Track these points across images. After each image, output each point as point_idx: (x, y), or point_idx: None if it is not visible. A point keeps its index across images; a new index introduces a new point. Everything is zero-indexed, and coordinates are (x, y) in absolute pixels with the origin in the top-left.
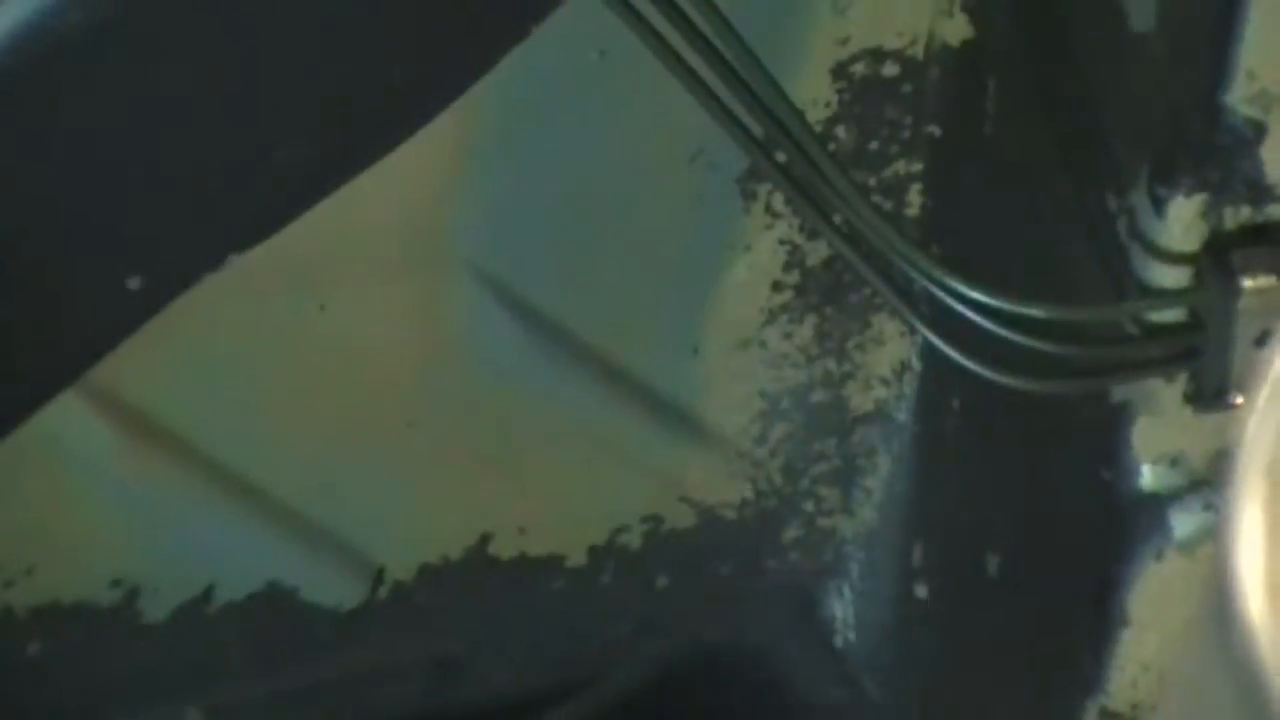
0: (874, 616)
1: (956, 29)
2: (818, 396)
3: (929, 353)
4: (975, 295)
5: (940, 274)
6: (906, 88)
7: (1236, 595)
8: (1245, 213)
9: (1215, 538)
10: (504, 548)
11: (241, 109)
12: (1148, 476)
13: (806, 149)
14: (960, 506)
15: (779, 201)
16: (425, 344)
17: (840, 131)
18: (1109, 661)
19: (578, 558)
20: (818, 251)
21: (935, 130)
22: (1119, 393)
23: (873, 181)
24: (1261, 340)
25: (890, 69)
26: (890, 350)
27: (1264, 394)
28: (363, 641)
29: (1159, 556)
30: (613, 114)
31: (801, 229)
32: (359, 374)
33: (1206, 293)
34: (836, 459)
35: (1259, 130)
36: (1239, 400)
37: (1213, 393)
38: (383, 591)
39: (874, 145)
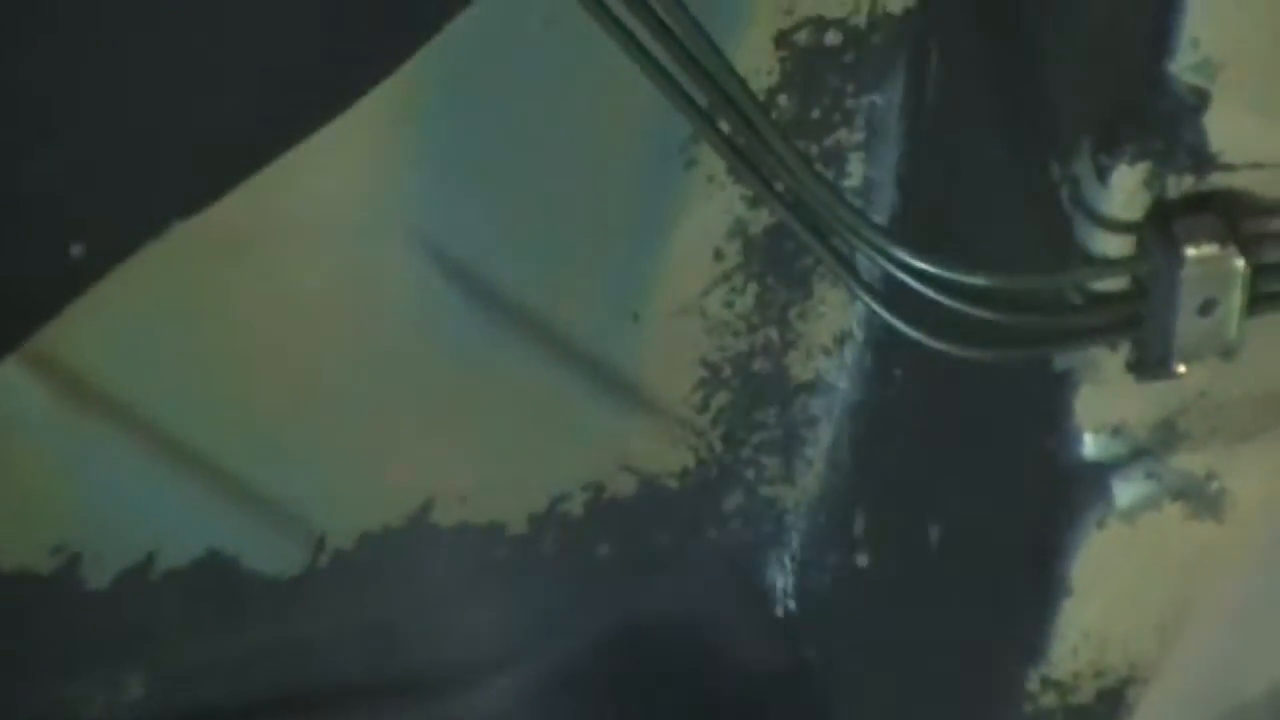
0: (815, 585)
1: None
2: (759, 365)
3: (871, 321)
4: (917, 263)
5: (883, 242)
6: (849, 56)
7: None
8: (1188, 181)
9: (1158, 506)
10: (445, 515)
11: (184, 76)
12: (1090, 445)
13: (749, 117)
14: (902, 475)
15: (722, 170)
16: (366, 311)
17: (783, 100)
18: (1050, 630)
19: (519, 526)
20: (760, 220)
21: (877, 99)
22: (1061, 361)
23: (815, 150)
24: (1205, 309)
25: (833, 37)
26: (832, 319)
27: None
28: (304, 609)
29: (1101, 525)
30: (555, 82)
31: (744, 197)
32: (300, 341)
33: (1149, 261)
34: (778, 428)
35: (1203, 99)
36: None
37: (1155, 361)
38: (324, 559)
39: (816, 114)
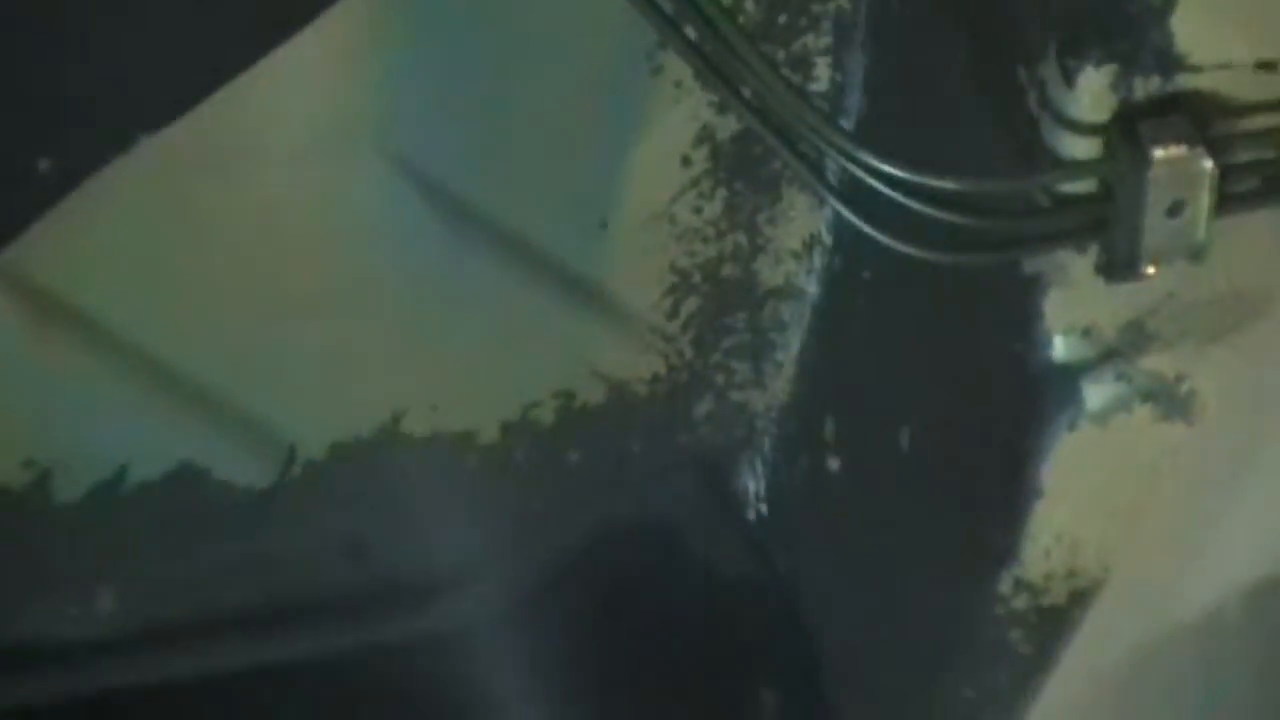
0: (785, 490)
1: None
2: (728, 270)
3: (839, 226)
4: (885, 168)
5: (850, 147)
6: None
7: None
8: (1155, 83)
9: (1128, 408)
10: (416, 425)
11: None
12: (1059, 348)
13: (716, 23)
14: (872, 380)
15: (688, 76)
16: (335, 223)
17: (749, 5)
18: (1022, 532)
19: (490, 434)
20: (727, 126)
21: (843, 3)
22: (1030, 265)
23: (782, 55)
24: (1173, 210)
25: None
26: (800, 224)
27: None
28: (276, 520)
29: (1072, 427)
30: None
31: (711, 103)
32: (269, 254)
33: (1117, 163)
34: (747, 333)
35: (1168, 0)
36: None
37: (1124, 264)
38: (295, 470)
39: (782, 19)
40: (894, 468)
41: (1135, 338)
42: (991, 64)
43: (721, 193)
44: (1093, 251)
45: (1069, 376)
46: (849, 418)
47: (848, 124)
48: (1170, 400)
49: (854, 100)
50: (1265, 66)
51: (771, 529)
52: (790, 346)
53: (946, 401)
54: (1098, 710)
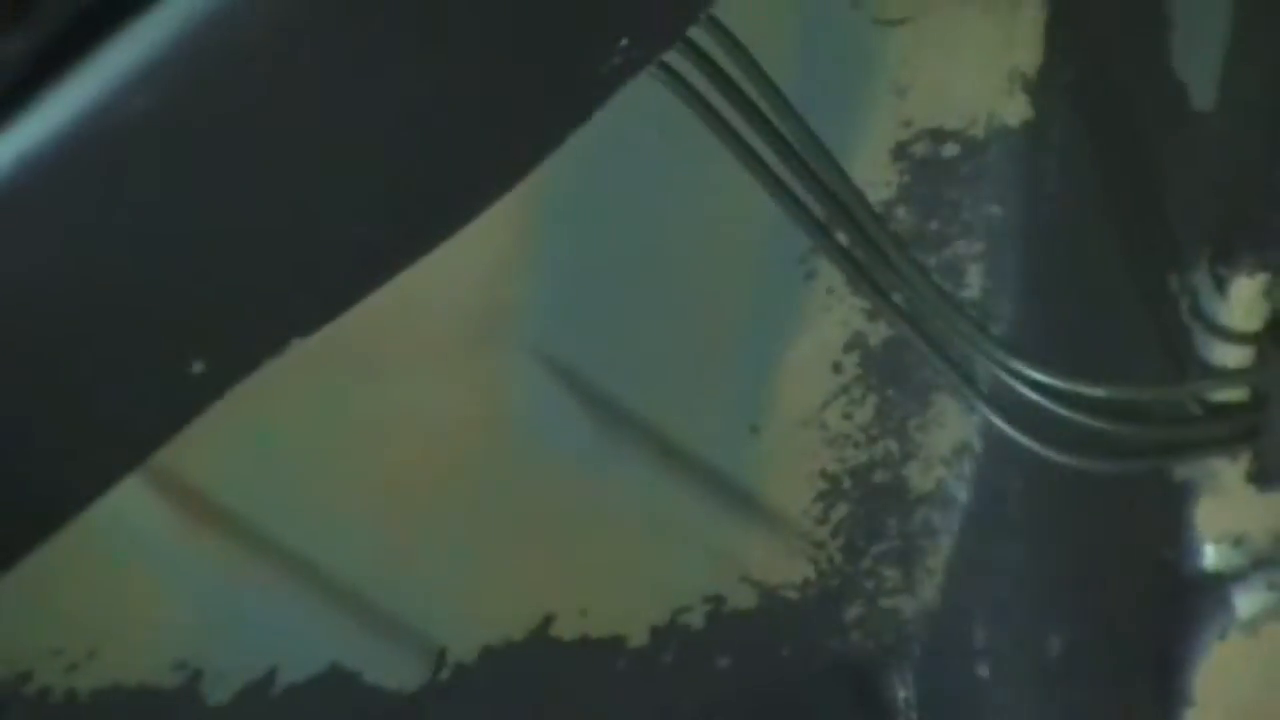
0: (936, 697)
1: (1017, 109)
2: (879, 476)
3: (989, 433)
4: (1036, 375)
5: (1001, 354)
6: (966, 168)
7: None
8: None
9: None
10: (566, 628)
11: (307, 192)
12: (1211, 556)
13: (867, 229)
14: (1022, 587)
15: (840, 282)
16: (486, 423)
17: (900, 212)
18: None
19: (640, 638)
20: (878, 332)
21: (996, 210)
22: (1181, 472)
23: (933, 261)
24: None
25: (950, 149)
26: (951, 430)
27: None
28: None
29: (1223, 636)
30: (673, 194)
31: (862, 309)
32: (419, 454)
33: (1269, 371)
34: (898, 539)
35: None
36: None
37: (1276, 472)
38: (445, 673)
39: (934, 225)
40: (1044, 675)
41: None
42: (1144, 272)
43: (872, 399)
44: (1244, 459)
45: (1220, 585)
46: (999, 624)
47: (999, 330)
48: None
49: (1005, 306)
50: None
51: None
52: (940, 552)
53: (1096, 609)
54: None
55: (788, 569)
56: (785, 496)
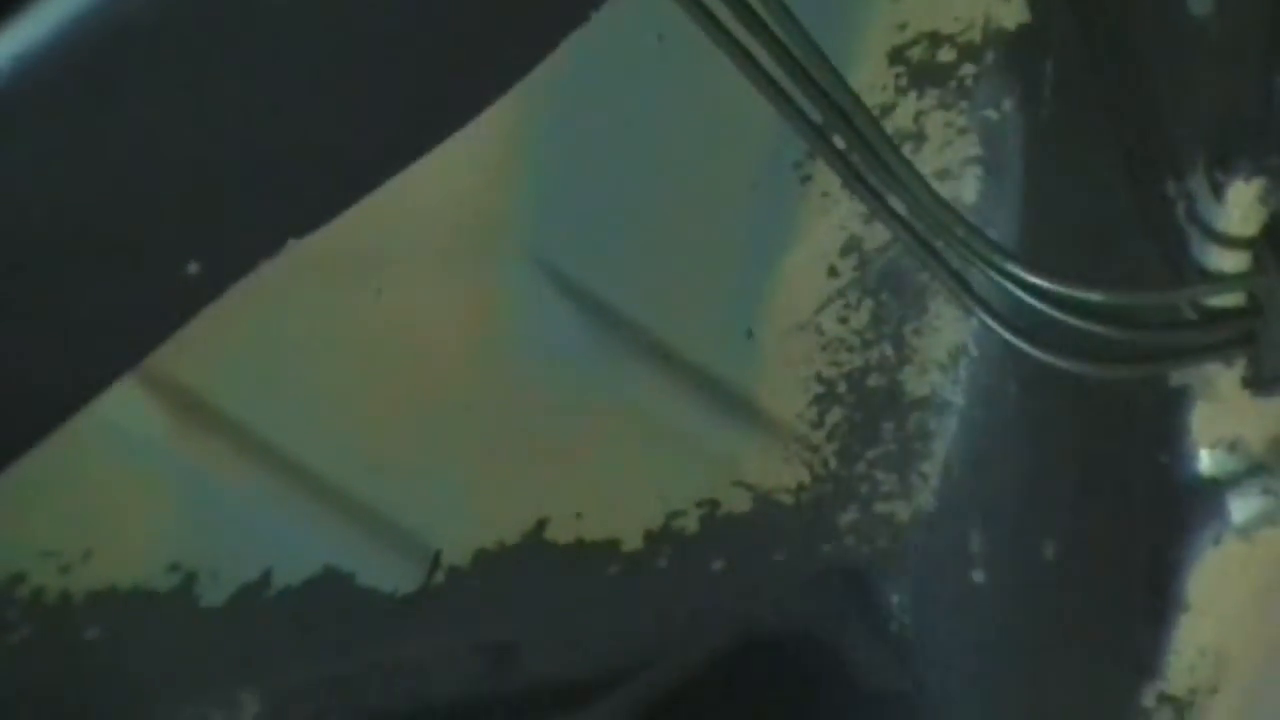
0: (930, 602)
1: (1013, 13)
2: (874, 381)
3: (986, 337)
4: (1033, 279)
5: (998, 258)
6: (963, 72)
7: None
8: None
9: (1275, 522)
10: (560, 532)
11: (300, 96)
12: (1206, 461)
13: (864, 133)
14: (1017, 492)
15: (836, 186)
16: (481, 329)
17: (897, 116)
18: (1166, 646)
19: (634, 542)
20: (874, 236)
21: (992, 114)
22: (1177, 378)
23: (929, 166)
24: None
25: (947, 53)
26: (947, 335)
27: None
28: (418, 627)
29: (1217, 541)
30: (670, 99)
31: (858, 214)
32: (415, 359)
33: (1265, 277)
34: (893, 444)
35: None
36: None
37: (1271, 377)
38: (439, 576)
39: (931, 129)
40: (1039, 580)
41: None
42: (1141, 176)
43: (868, 303)
44: (1240, 365)
45: (1215, 490)
46: (994, 530)
47: (996, 235)
48: None
49: (1002, 211)
50: None
51: (915, 640)
52: (936, 457)
53: (1092, 514)
54: None
55: (782, 473)
56: (780, 401)
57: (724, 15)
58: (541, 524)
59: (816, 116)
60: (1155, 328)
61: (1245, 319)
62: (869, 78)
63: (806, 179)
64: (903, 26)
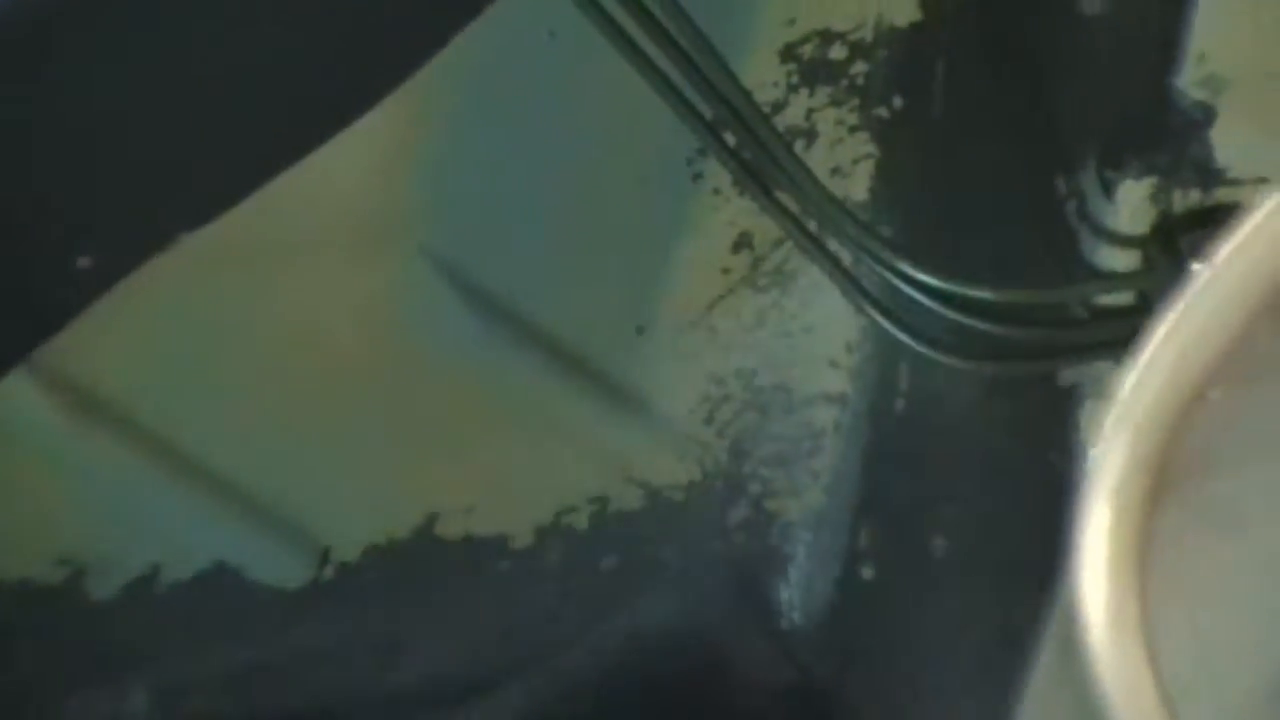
0: (820, 598)
1: (904, 11)
2: (765, 378)
3: (877, 335)
4: (923, 277)
5: (888, 256)
6: (855, 69)
7: (1080, 623)
8: (1194, 196)
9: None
10: (450, 528)
11: (190, 89)
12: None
13: (755, 130)
14: (907, 488)
15: (728, 183)
16: (372, 323)
17: (789, 113)
18: None
19: (524, 538)
20: (766, 233)
21: (884, 112)
22: (1067, 376)
23: (821, 163)
24: None
25: (838, 51)
26: (838, 332)
27: (1109, 420)
28: (308, 621)
29: None
30: (562, 94)
31: (749, 211)
32: (307, 354)
33: (1155, 276)
34: (783, 441)
35: (1208, 114)
36: None
37: None
38: (329, 571)
39: (822, 127)
40: (928, 576)
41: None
42: (1030, 174)
43: (760, 300)
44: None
45: None
46: (884, 526)
47: (886, 232)
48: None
49: (892, 208)
50: None
51: (805, 637)
52: (826, 455)
53: (981, 512)
54: None
55: (673, 470)
56: (671, 398)
57: (616, 11)
58: (431, 519)
59: (708, 113)
60: (1045, 326)
61: (1135, 318)
62: (760, 75)
63: (698, 176)
64: (793, 22)
